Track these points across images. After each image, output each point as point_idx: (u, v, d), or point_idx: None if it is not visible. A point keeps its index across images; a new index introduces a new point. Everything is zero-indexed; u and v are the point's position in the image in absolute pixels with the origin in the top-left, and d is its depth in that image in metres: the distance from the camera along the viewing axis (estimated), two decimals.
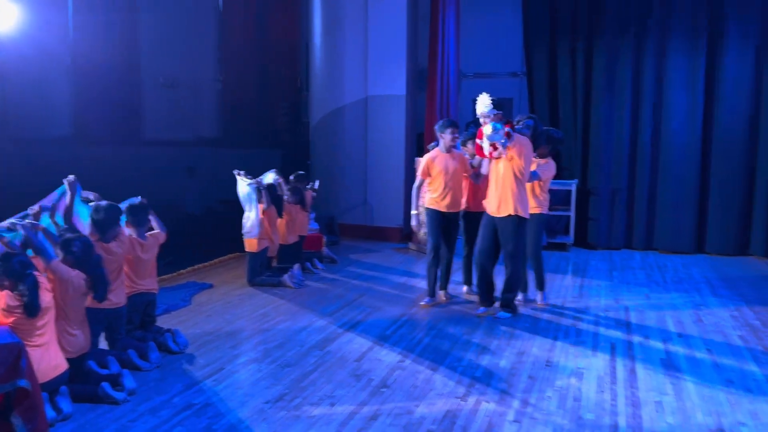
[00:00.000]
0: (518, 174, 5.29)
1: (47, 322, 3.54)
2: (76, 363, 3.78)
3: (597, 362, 4.49)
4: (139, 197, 4.74)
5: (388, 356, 4.56)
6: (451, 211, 5.83)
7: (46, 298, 3.53)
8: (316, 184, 8.51)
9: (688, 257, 8.52)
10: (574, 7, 8.99)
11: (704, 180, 8.70)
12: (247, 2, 8.56)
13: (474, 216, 5.98)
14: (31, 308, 3.37)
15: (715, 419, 3.57)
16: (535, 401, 3.79)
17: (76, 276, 3.77)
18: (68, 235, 3.91)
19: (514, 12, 9.58)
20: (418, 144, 9.53)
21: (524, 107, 9.55)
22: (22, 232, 3.69)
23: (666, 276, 7.39)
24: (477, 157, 5.68)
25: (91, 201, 4.49)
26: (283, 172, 7.46)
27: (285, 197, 7.19)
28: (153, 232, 4.84)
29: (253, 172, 6.90)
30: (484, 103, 5.27)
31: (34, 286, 3.40)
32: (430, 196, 5.83)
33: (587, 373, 4.28)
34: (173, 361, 4.43)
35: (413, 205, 5.97)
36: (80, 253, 3.83)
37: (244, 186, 6.62)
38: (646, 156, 8.85)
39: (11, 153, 5.22)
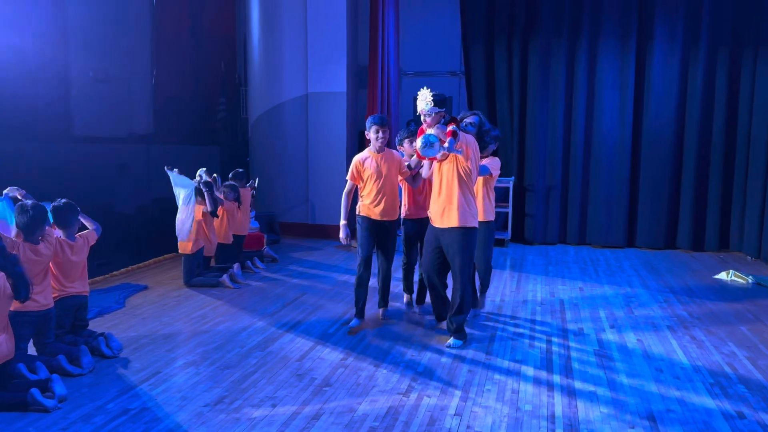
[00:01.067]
0: (465, 177, 4.61)
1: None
2: (0, 370, 3.60)
3: (534, 354, 4.59)
4: (63, 199, 4.54)
5: (330, 355, 4.54)
6: (385, 219, 5.15)
7: None
8: (256, 182, 8.39)
9: (620, 251, 8.84)
10: (511, 7, 9.17)
11: (634, 177, 9.04)
12: None
13: (415, 223, 5.43)
14: None
15: (646, 407, 3.71)
16: (474, 395, 3.85)
17: (1, 277, 3.59)
18: None
19: (453, 11, 9.69)
20: (360, 141, 9.53)
21: (463, 106, 9.68)
22: None
23: (599, 270, 7.64)
24: (414, 158, 5.04)
25: (18, 199, 4.30)
26: (221, 170, 7.32)
27: (221, 196, 7.05)
28: (83, 232, 4.66)
29: (189, 170, 6.74)
30: (424, 100, 4.62)
31: None
32: (362, 203, 5.17)
33: (525, 365, 4.38)
34: (107, 365, 4.28)
35: (342, 214, 5.19)
36: None
37: (181, 183, 6.43)
38: (579, 154, 9.12)
39: None
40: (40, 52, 5.92)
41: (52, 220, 4.43)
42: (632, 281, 7.02)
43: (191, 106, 8.52)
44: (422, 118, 4.70)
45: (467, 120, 5.09)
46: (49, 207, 4.41)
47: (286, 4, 9.39)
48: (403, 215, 5.48)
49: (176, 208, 6.45)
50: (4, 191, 4.40)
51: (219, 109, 9.33)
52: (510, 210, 9.10)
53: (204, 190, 6.56)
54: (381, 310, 5.46)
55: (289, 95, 9.53)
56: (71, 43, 6.37)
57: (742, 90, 8.47)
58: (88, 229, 4.73)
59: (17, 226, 4.10)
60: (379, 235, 5.19)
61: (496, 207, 5.96)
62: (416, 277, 5.75)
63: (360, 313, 5.25)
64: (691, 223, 8.82)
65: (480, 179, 5.17)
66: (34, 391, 3.52)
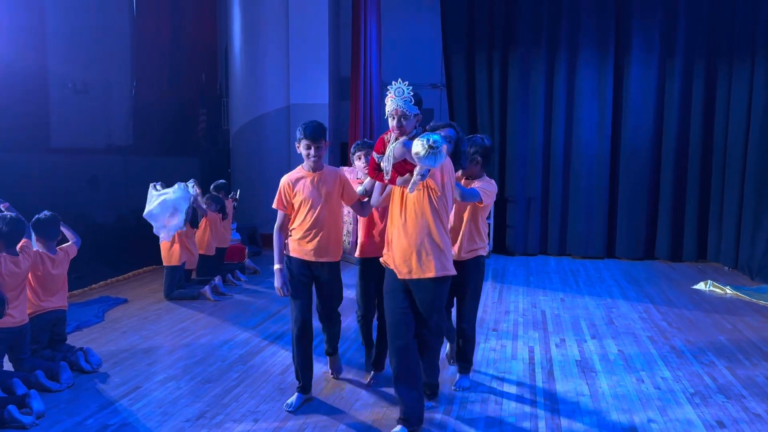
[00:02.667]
0: (438, 207, 3.36)
1: None
2: None
3: (517, 366, 4.61)
4: (47, 211, 4.48)
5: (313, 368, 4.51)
6: (323, 260, 3.81)
7: None
8: (237, 193, 8.35)
9: (600, 262, 8.92)
10: (491, 18, 9.26)
11: (613, 188, 9.14)
12: (162, 3, 8.31)
13: (372, 263, 4.01)
14: None
15: (628, 417, 3.73)
16: (458, 407, 3.85)
17: None
18: None
19: (434, 23, 9.76)
20: (342, 153, 9.53)
21: (444, 118, 9.73)
22: None
23: (579, 280, 7.69)
24: (368, 179, 3.84)
25: (0, 211, 4.23)
26: (202, 181, 7.27)
27: (203, 207, 7.00)
28: (64, 245, 4.60)
29: (170, 181, 6.69)
30: (401, 96, 3.38)
31: None
32: (292, 239, 3.86)
33: (508, 377, 4.38)
34: (86, 380, 4.21)
35: (275, 257, 3.80)
36: None
37: (167, 195, 6.34)
38: (559, 165, 9.21)
39: None
40: (18, 62, 5.85)
41: (33, 233, 4.37)
42: (612, 291, 7.08)
43: (171, 117, 8.47)
44: (391, 121, 3.40)
45: (441, 133, 3.63)
46: (31, 219, 4.35)
47: (268, 16, 9.39)
48: (356, 253, 4.22)
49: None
50: None
51: (200, 120, 9.29)
52: (492, 221, 9.15)
53: (196, 200, 6.52)
54: (331, 373, 4.35)
55: (271, 106, 9.51)
56: (50, 53, 6.31)
57: (718, 101, 8.62)
58: (68, 241, 4.67)
59: None
60: (315, 282, 3.90)
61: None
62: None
63: (304, 387, 3.89)
64: (670, 233, 8.94)
65: (465, 209, 4.04)
66: (11, 408, 3.45)
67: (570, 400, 3.99)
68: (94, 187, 7.04)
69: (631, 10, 8.82)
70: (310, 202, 3.77)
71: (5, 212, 4.17)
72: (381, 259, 3.61)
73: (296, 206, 3.80)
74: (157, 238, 6.40)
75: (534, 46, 9.13)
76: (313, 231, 3.78)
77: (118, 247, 7.31)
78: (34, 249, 4.34)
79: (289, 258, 3.84)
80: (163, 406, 3.81)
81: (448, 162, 3.37)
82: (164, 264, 6.49)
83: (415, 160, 3.11)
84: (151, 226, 6.30)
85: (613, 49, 8.91)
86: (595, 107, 9.04)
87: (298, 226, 3.81)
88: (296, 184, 3.79)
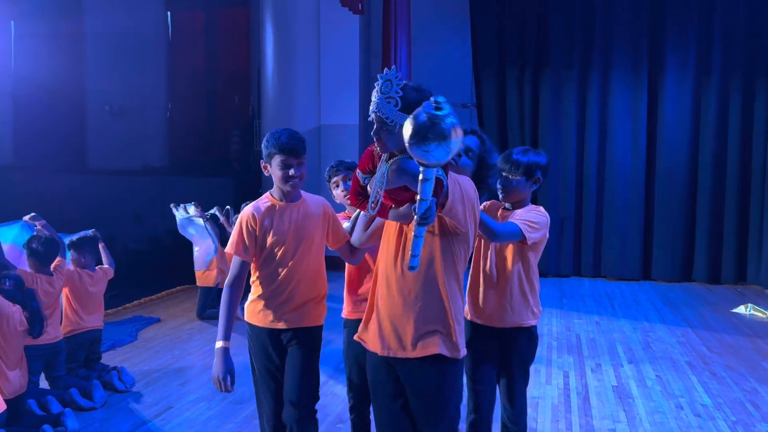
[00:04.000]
0: (455, 252, 2.21)
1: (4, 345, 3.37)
2: (12, 404, 3.58)
3: (551, 391, 4.51)
4: (91, 231, 4.60)
5: (343, 390, 4.46)
6: (304, 325, 2.74)
7: None
8: None
9: (635, 284, 8.73)
10: (521, 39, 9.24)
11: (648, 208, 8.97)
12: (197, 29, 8.49)
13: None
14: None
15: None
16: None
17: (17, 311, 3.60)
18: None
19: (464, 44, 9.78)
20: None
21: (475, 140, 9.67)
22: None
23: (614, 303, 7.54)
24: (358, 211, 2.73)
25: (37, 228, 4.30)
26: (234, 202, 7.34)
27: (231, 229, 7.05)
28: (102, 265, 4.68)
29: (203, 201, 6.78)
30: (386, 92, 2.07)
31: None
32: (253, 300, 2.77)
33: (542, 402, 4.29)
34: (119, 400, 4.24)
35: (219, 331, 2.70)
36: (13, 289, 3.66)
37: (190, 218, 6.45)
38: (592, 185, 9.08)
39: None
40: (58, 86, 6.01)
41: (68, 252, 4.46)
42: (649, 315, 6.92)
43: (205, 139, 8.61)
44: (374, 130, 2.12)
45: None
46: (69, 238, 4.46)
47: (299, 38, 9.51)
48: (343, 314, 3.11)
49: (189, 241, 6.46)
50: (24, 217, 4.39)
51: (232, 141, 9.42)
52: None
53: (210, 222, 6.59)
54: None
55: (302, 127, 9.59)
56: (88, 76, 6.48)
57: (756, 120, 8.44)
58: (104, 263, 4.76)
59: (32, 255, 4.12)
60: (290, 360, 2.75)
61: None
62: None
63: None
64: (707, 255, 8.72)
65: (507, 252, 2.77)
66: (46, 427, 3.49)
67: (606, 427, 3.88)
68: (129, 207, 7.16)
69: (664, 29, 8.72)
70: (284, 245, 2.65)
71: (41, 231, 4.26)
72: (356, 335, 2.38)
73: (263, 250, 2.66)
74: (190, 258, 6.48)
75: (566, 65, 9.07)
76: (289, 287, 2.65)
77: (152, 267, 7.41)
78: (70, 267, 4.43)
79: (255, 329, 2.74)
80: (195, 427, 3.81)
81: (467, 185, 2.20)
82: (199, 285, 6.56)
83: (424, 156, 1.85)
84: (184, 245, 6.39)
85: (646, 68, 8.80)
86: (629, 126, 8.92)
87: (265, 281, 2.68)
88: (265, 219, 2.66)
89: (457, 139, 1.86)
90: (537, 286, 2.85)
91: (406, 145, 1.87)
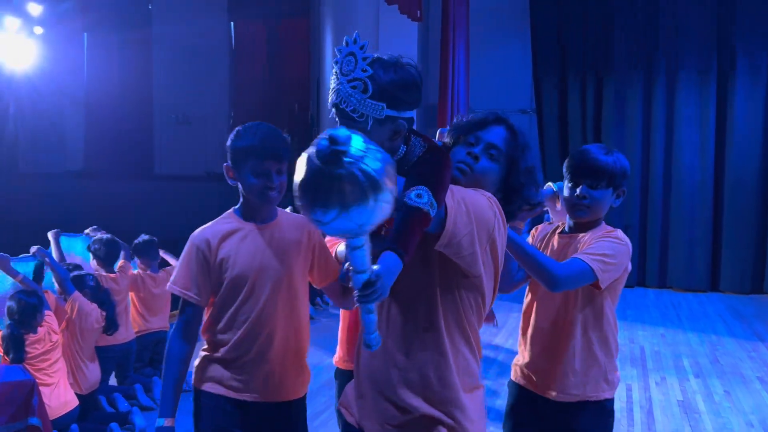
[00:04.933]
0: (464, 301, 1.57)
1: (57, 359, 3.52)
2: (86, 400, 3.74)
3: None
4: (145, 235, 4.75)
5: None
6: (277, 399, 1.92)
7: (53, 338, 3.51)
8: None
9: (702, 295, 8.40)
10: (583, 42, 9.06)
11: (717, 217, 8.63)
12: (258, 39, 8.69)
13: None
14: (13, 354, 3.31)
15: None
16: None
17: (94, 309, 3.77)
18: (79, 272, 3.92)
19: (524, 48, 9.66)
20: None
21: (534, 144, 9.54)
22: (46, 260, 3.72)
23: (681, 314, 7.28)
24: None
25: (94, 236, 4.48)
26: (294, 208, 7.47)
27: None
28: (168, 267, 4.83)
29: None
30: (347, 69, 1.43)
31: (17, 338, 3.33)
32: (206, 358, 1.96)
33: None
34: (183, 399, 4.35)
35: (164, 402, 1.95)
36: (94, 288, 3.85)
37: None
38: (658, 192, 8.80)
39: (25, 187, 5.25)
40: (127, 95, 6.26)
41: (135, 256, 4.63)
42: (717, 327, 6.64)
43: None
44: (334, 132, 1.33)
45: (478, 147, 1.69)
46: (132, 242, 4.63)
47: None
48: (335, 360, 2.58)
49: None
50: (86, 231, 4.61)
51: (292, 148, 9.57)
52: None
53: None
54: None
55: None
56: (156, 87, 6.72)
57: None
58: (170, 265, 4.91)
59: (95, 256, 4.30)
60: None
61: None
62: None
63: None
64: None
65: (569, 296, 2.02)
66: (114, 425, 3.62)
67: None
68: (194, 213, 7.38)
69: (733, 33, 8.39)
70: (251, 282, 1.87)
71: (100, 233, 4.43)
72: (337, 404, 1.85)
73: (221, 289, 1.89)
74: None
75: (630, 68, 8.84)
76: (257, 342, 1.88)
77: None
78: (135, 271, 4.59)
79: (207, 397, 1.93)
80: None
81: (482, 205, 1.53)
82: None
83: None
84: None
85: (715, 73, 8.48)
86: (697, 133, 8.61)
87: (223, 331, 1.90)
88: (224, 245, 1.91)
89: (387, 193, 1.23)
90: (615, 343, 2.08)
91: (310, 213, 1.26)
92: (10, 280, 3.78)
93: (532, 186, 1.71)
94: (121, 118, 6.23)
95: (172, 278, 1.93)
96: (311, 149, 1.24)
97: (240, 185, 1.96)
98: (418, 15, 8.29)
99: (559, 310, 2.04)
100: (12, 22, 5.22)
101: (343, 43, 1.43)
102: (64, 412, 3.46)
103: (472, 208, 1.48)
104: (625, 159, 2.11)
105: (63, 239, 4.34)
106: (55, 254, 4.09)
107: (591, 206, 2.03)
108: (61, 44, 5.57)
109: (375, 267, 1.31)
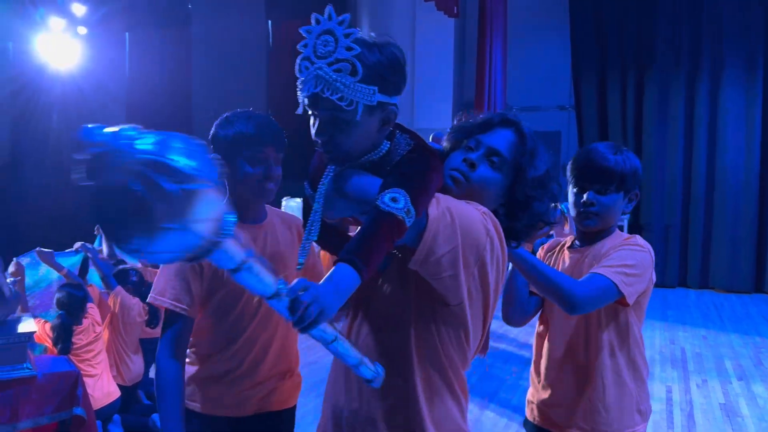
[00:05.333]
0: (437, 329, 1.29)
1: (100, 351, 3.61)
2: (129, 392, 3.84)
3: (653, 406, 4.28)
4: None
5: None
6: (274, 408, 1.84)
7: (96, 330, 3.60)
8: None
9: (746, 296, 8.17)
10: (624, 37, 8.90)
11: (762, 217, 8.38)
12: (296, 37, 8.76)
13: None
14: (62, 344, 3.40)
15: None
16: None
17: (137, 303, 3.86)
18: (123, 266, 4.01)
19: (563, 43, 9.53)
20: None
21: (573, 142, 9.42)
22: (89, 255, 3.81)
23: (723, 316, 7.09)
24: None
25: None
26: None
27: None
28: None
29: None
30: (322, 50, 1.20)
31: (67, 328, 3.42)
32: (196, 375, 1.76)
33: None
34: None
35: (169, 428, 1.64)
36: (137, 283, 3.94)
37: None
38: (701, 191, 8.59)
39: (68, 185, 5.39)
40: (167, 91, 6.37)
41: None
42: (761, 329, 6.45)
43: (303, 145, 8.85)
44: (317, 126, 1.27)
45: (476, 153, 1.38)
46: None
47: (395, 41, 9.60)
48: None
49: None
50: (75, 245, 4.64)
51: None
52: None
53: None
54: None
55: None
56: (194, 83, 6.82)
57: None
58: None
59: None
60: None
61: None
62: None
63: None
64: None
65: (582, 320, 1.81)
66: (156, 416, 3.69)
67: None
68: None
69: None
70: (245, 291, 1.39)
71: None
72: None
73: (211, 299, 1.72)
74: None
75: (672, 64, 8.64)
76: (252, 352, 1.75)
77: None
78: None
79: (205, 419, 1.75)
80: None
81: (473, 220, 1.24)
82: None
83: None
84: None
85: (762, 69, 8.23)
86: (742, 130, 8.36)
87: (214, 344, 1.75)
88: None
89: (207, 212, 0.96)
90: (645, 367, 1.86)
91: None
92: (55, 273, 3.89)
93: (544, 199, 1.39)
94: (161, 114, 6.34)
95: (155, 288, 1.68)
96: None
97: (227, 180, 1.55)
98: (455, 11, 8.24)
99: (578, 333, 1.80)
100: (57, 22, 5.36)
101: (312, 22, 1.20)
102: (107, 403, 3.54)
103: (459, 220, 1.20)
104: (635, 158, 1.85)
105: None
106: (104, 248, 4.20)
107: (600, 214, 1.79)
108: (104, 44, 5.69)
109: (301, 288, 1.04)
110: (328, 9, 1.18)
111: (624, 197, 1.81)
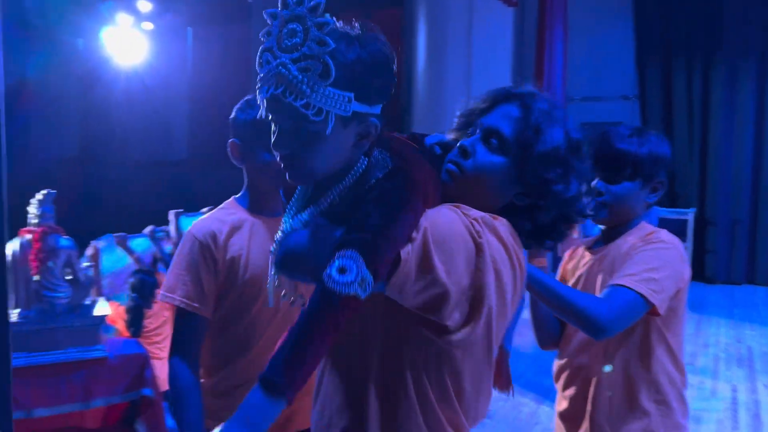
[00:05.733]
0: (427, 364, 1.02)
1: (168, 335, 3.73)
2: None
3: (716, 405, 4.15)
4: None
5: None
6: (299, 429, 1.59)
7: (164, 314, 3.72)
8: None
9: None
10: (690, 24, 8.57)
11: None
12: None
13: None
14: (134, 327, 3.53)
15: None
16: None
17: None
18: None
19: (626, 31, 9.26)
20: None
21: None
22: (156, 237, 3.95)
23: None
24: None
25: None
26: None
27: None
28: None
29: None
30: (271, 45, 1.01)
31: (140, 312, 3.55)
32: (206, 387, 1.60)
33: (706, 415, 3.96)
34: None
35: None
36: None
37: None
38: None
39: (135, 175, 5.58)
40: (226, 87, 6.51)
41: None
42: None
43: None
44: (274, 137, 1.04)
45: (471, 139, 1.19)
46: None
47: (451, 34, 9.52)
48: None
49: None
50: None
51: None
52: (690, 245, 8.38)
53: None
54: None
55: (452, 124, 9.59)
56: (253, 78, 6.95)
57: None
58: None
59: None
60: None
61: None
62: None
63: None
64: None
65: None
66: None
67: None
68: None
69: None
70: (262, 289, 1.51)
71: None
72: None
73: (230, 298, 1.57)
74: None
75: (741, 52, 8.27)
76: (255, 348, 1.59)
77: None
78: None
79: None
80: None
81: (454, 231, 1.00)
82: None
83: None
84: None
85: None
86: None
87: (233, 352, 1.59)
88: (232, 241, 1.57)
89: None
90: (682, 377, 1.59)
91: None
92: (128, 258, 4.04)
93: (567, 180, 1.10)
94: (221, 108, 6.48)
95: (165, 284, 1.54)
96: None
97: (246, 167, 1.64)
98: (514, 0, 8.11)
99: (607, 348, 1.57)
100: (124, 18, 5.54)
101: (278, 5, 0.98)
102: None
103: (440, 234, 0.97)
104: (661, 142, 1.59)
105: (182, 219, 4.58)
106: (173, 233, 4.33)
107: (611, 205, 1.58)
108: (167, 39, 5.86)
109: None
110: None
111: (643, 186, 1.58)
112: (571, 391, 1.65)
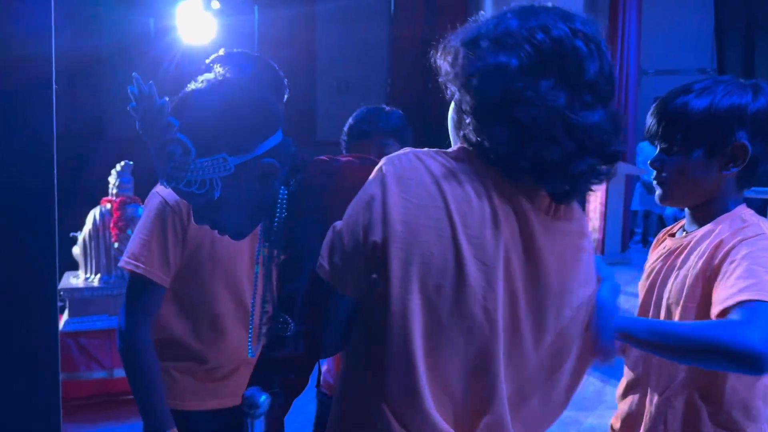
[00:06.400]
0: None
1: None
2: None
3: None
4: None
5: None
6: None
7: None
8: None
9: None
10: None
11: None
12: (418, 9, 8.69)
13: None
14: None
15: None
16: None
17: None
18: None
19: (704, 2, 8.81)
20: None
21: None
22: None
23: None
24: None
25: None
26: None
27: None
28: None
29: None
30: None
31: None
32: (173, 367, 1.53)
33: None
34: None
35: (152, 416, 1.43)
36: None
37: None
38: None
39: None
40: (293, 65, 6.57)
41: None
42: None
43: (421, 112, 8.83)
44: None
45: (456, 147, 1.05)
46: None
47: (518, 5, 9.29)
48: (322, 383, 1.87)
49: None
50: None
51: (445, 115, 9.57)
52: None
53: None
54: None
55: None
56: (319, 57, 6.98)
57: None
58: None
59: None
60: None
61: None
62: None
63: None
64: None
65: (699, 310, 1.23)
66: None
67: None
68: None
69: None
70: (234, 262, 1.52)
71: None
72: None
73: (194, 267, 1.50)
74: None
75: None
76: (232, 329, 1.56)
77: None
78: None
79: (184, 417, 1.49)
80: None
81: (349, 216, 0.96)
82: None
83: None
84: None
85: None
86: None
87: (193, 320, 1.53)
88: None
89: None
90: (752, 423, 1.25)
91: None
92: None
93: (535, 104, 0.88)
94: (288, 87, 6.58)
95: (129, 249, 1.45)
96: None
97: None
98: None
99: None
100: None
101: (135, 90, 0.98)
102: None
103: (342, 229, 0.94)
104: (745, 93, 1.18)
105: None
106: None
107: (670, 182, 1.25)
108: (234, 17, 5.93)
109: None
110: (136, 78, 0.98)
111: (710, 155, 1.19)
112: (626, 405, 1.38)
